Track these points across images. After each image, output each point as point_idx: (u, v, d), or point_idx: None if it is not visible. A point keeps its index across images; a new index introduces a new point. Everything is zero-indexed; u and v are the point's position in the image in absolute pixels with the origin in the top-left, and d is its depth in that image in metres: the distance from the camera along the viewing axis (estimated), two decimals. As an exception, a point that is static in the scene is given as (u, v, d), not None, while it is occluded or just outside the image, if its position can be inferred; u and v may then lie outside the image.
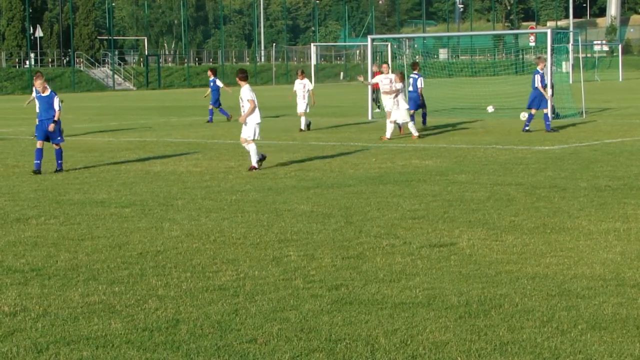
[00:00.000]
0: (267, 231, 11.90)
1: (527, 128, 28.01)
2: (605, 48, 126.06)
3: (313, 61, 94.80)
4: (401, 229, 11.86)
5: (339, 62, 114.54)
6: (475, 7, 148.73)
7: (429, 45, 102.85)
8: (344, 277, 9.28)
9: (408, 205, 13.80)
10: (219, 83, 36.24)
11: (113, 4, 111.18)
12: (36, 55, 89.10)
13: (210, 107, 36.05)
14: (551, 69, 31.27)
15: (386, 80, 26.35)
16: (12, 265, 10.03)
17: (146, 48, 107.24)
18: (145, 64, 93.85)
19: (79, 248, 10.96)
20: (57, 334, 7.44)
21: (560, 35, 65.81)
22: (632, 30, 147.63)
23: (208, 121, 35.45)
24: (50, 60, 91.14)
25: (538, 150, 22.41)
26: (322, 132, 29.93)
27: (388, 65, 28.15)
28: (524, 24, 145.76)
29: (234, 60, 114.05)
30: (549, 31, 33.70)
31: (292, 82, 32.28)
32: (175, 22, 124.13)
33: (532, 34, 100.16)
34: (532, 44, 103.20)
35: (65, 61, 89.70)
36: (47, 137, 19.07)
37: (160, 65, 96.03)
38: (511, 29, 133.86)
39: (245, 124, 18.93)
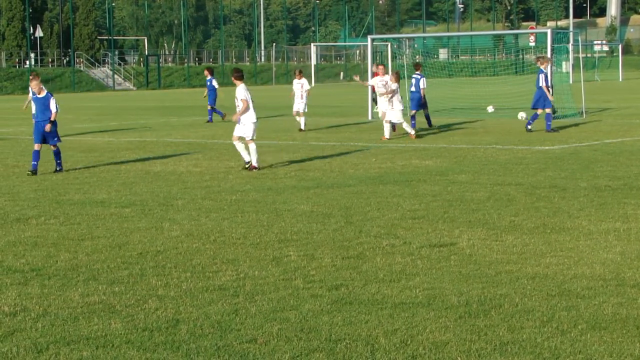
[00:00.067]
0: (267, 231, 11.90)
1: (529, 127, 27.94)
2: (605, 48, 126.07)
3: (313, 61, 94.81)
4: (401, 229, 11.86)
5: (339, 62, 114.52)
6: (475, 7, 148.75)
7: (429, 45, 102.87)
8: (344, 277, 9.29)
9: (408, 205, 13.80)
10: (214, 83, 36.26)
11: (113, 4, 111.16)
12: (36, 55, 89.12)
13: (209, 107, 36.07)
14: (551, 69, 31.25)
15: (381, 83, 26.37)
16: (12, 265, 10.03)
17: (146, 48, 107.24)
18: (145, 64, 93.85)
19: (79, 248, 10.96)
20: (57, 334, 7.44)
21: (560, 35, 65.78)
22: (632, 30, 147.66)
23: (208, 121, 35.46)
24: (50, 60, 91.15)
25: (538, 150, 22.41)
26: (322, 132, 29.93)
27: (384, 67, 28.15)
28: (524, 24, 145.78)
29: (234, 60, 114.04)
30: (549, 31, 33.72)
31: (292, 82, 32.28)
32: (175, 22, 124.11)
33: (532, 34, 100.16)
34: (532, 44, 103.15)
35: (65, 61, 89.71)
36: (44, 139, 19.04)
37: (160, 65, 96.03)
38: (511, 29, 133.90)
39: (242, 124, 18.88)
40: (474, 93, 46.98)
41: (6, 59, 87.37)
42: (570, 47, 67.56)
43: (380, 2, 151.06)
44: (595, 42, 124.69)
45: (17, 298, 8.62)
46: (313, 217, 12.91)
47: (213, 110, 35.86)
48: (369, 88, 35.17)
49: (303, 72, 32.49)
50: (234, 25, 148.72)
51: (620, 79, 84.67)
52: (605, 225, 11.97)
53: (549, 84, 28.43)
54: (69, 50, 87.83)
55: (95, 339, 7.30)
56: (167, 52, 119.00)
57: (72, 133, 30.50)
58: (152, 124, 35.09)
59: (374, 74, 27.97)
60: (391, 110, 25.89)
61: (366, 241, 11.11)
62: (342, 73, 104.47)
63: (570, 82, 52.05)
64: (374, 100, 36.53)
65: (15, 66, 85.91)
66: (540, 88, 28.15)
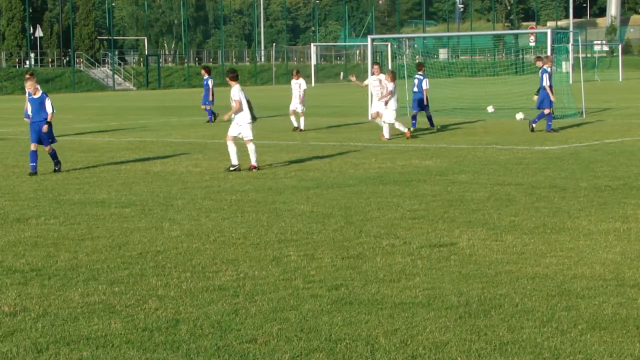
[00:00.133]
0: (267, 231, 11.90)
1: (533, 125, 27.85)
2: (605, 48, 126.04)
3: (313, 61, 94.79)
4: (401, 229, 11.86)
5: (339, 62, 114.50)
6: (475, 7, 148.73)
7: (429, 45, 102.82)
8: (344, 277, 9.29)
9: (408, 205, 13.80)
10: (209, 83, 36.29)
11: (113, 4, 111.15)
12: (36, 55, 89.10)
13: (209, 107, 36.08)
14: (551, 69, 31.23)
15: (375, 82, 26.36)
16: (12, 265, 10.03)
17: (146, 48, 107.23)
18: (145, 64, 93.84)
19: (79, 248, 10.96)
20: (57, 334, 7.44)
21: (560, 35, 65.75)
22: (632, 30, 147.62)
23: (208, 121, 35.47)
24: (50, 60, 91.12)
25: (538, 150, 22.42)
26: (322, 132, 29.94)
27: (379, 66, 28.17)
28: (524, 24, 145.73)
29: (234, 60, 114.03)
30: (549, 31, 33.70)
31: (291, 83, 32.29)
32: (175, 22, 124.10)
33: (532, 34, 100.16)
34: (532, 44, 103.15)
35: (65, 61, 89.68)
36: (40, 139, 19.01)
37: (160, 65, 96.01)
38: (511, 29, 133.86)
39: (238, 125, 18.85)
40: (474, 93, 46.99)
41: (6, 59, 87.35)
42: (570, 47, 67.54)
43: (380, 2, 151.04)
44: (595, 42, 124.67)
45: (17, 298, 8.62)
46: (313, 217, 12.91)
47: (205, 108, 36.06)
48: (370, 88, 35.21)
49: (301, 72, 32.50)
50: (234, 25, 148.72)
51: (620, 79, 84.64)
52: (605, 225, 11.97)
53: (551, 84, 28.41)
54: (69, 50, 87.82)
55: (95, 339, 7.30)
56: (167, 52, 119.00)
57: (72, 133, 30.51)
58: (152, 124, 35.09)
59: (373, 74, 27.97)
60: (385, 110, 25.86)
61: (366, 241, 11.11)
62: (342, 73, 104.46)
63: (570, 82, 52.04)
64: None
65: (15, 66, 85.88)
66: (544, 88, 28.06)
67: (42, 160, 19.18)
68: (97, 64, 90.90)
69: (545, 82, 28.04)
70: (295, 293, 8.65)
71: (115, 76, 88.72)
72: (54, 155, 19.14)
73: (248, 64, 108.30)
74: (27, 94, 19.57)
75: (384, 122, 25.97)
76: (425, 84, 29.73)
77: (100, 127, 33.62)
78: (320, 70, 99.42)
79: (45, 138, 18.94)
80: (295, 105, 30.69)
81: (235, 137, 18.89)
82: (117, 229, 12.18)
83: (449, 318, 7.73)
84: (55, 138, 19.45)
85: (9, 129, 33.46)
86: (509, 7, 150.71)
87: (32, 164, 18.74)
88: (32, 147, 18.87)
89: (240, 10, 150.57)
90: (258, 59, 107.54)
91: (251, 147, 18.87)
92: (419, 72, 30.25)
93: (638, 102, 45.99)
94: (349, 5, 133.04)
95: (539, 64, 31.65)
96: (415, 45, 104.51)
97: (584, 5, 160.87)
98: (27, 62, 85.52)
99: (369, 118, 35.26)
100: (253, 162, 18.89)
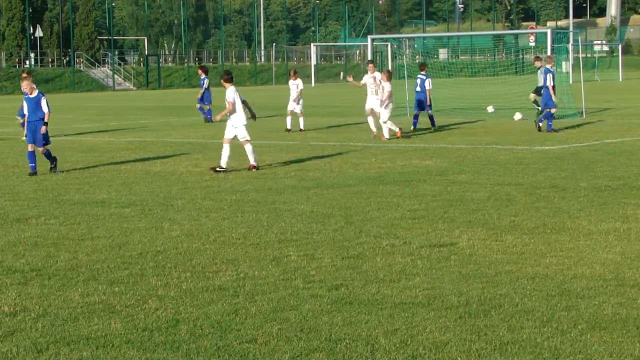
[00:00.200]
0: (267, 231, 11.90)
1: (540, 124, 27.81)
2: (605, 48, 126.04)
3: (313, 61, 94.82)
4: (401, 229, 11.86)
5: (339, 62, 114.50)
6: (475, 7, 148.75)
7: (429, 45, 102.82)
8: (344, 277, 9.29)
9: (408, 205, 13.80)
10: (206, 82, 36.31)
11: (113, 4, 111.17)
12: (36, 55, 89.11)
13: (208, 106, 36.08)
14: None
15: (370, 80, 26.35)
16: (12, 265, 10.03)
17: (146, 48, 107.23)
18: (145, 64, 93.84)
19: (79, 248, 10.96)
20: (57, 334, 7.44)
21: (560, 35, 65.74)
22: (632, 30, 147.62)
23: (208, 121, 35.47)
24: (50, 60, 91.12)
25: (538, 150, 22.42)
26: (322, 132, 29.93)
27: (374, 64, 28.15)
28: (524, 24, 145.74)
29: (234, 60, 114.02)
30: (549, 31, 33.75)
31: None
32: (175, 22, 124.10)
33: (532, 34, 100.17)
34: (532, 44, 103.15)
35: (65, 61, 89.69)
36: (34, 139, 18.95)
37: (160, 65, 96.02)
38: (511, 29, 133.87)
39: (234, 126, 18.83)
40: (474, 93, 46.99)
41: (6, 59, 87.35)
42: (570, 47, 67.55)
43: (380, 2, 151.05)
44: (595, 42, 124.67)
45: (17, 298, 8.62)
46: (313, 217, 12.91)
47: (199, 108, 36.31)
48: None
49: (298, 73, 32.51)
50: (234, 25, 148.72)
51: (620, 79, 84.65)
52: (605, 225, 11.97)
53: (553, 84, 28.40)
54: (69, 50, 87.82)
55: (95, 339, 7.30)
56: (167, 52, 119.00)
57: (72, 133, 30.52)
58: (152, 124, 35.10)
59: (368, 72, 27.99)
60: (381, 109, 25.82)
61: (366, 241, 11.11)
62: (342, 73, 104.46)
63: (570, 82, 52.04)
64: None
65: (15, 66, 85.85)
66: (547, 87, 27.99)
67: (42, 160, 19.18)
68: (97, 64, 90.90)
69: (549, 82, 27.99)
70: (295, 293, 8.65)
71: (115, 76, 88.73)
72: (48, 155, 19.09)
73: (248, 64, 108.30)
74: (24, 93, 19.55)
75: (382, 122, 25.95)
76: (428, 84, 29.68)
77: (100, 127, 33.62)
78: (320, 70, 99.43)
79: (40, 139, 18.89)
80: (293, 105, 30.69)
81: (231, 139, 18.87)
82: (117, 229, 12.18)
83: (449, 318, 7.73)
84: (50, 140, 19.37)
85: (9, 129, 33.47)
86: (509, 7, 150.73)
87: (31, 165, 18.73)
88: (30, 147, 18.83)
89: (240, 10, 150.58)
90: (258, 59, 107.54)
91: (248, 148, 18.86)
92: (422, 72, 30.14)
93: (638, 102, 45.99)
94: (349, 5, 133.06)
95: (538, 63, 31.66)
96: (415, 45, 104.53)
97: (584, 5, 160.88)
98: (27, 62, 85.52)
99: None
100: (252, 162, 18.88)
